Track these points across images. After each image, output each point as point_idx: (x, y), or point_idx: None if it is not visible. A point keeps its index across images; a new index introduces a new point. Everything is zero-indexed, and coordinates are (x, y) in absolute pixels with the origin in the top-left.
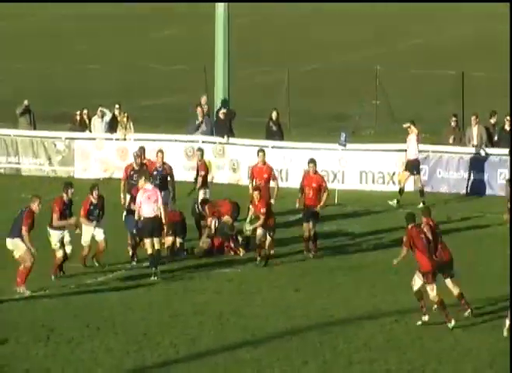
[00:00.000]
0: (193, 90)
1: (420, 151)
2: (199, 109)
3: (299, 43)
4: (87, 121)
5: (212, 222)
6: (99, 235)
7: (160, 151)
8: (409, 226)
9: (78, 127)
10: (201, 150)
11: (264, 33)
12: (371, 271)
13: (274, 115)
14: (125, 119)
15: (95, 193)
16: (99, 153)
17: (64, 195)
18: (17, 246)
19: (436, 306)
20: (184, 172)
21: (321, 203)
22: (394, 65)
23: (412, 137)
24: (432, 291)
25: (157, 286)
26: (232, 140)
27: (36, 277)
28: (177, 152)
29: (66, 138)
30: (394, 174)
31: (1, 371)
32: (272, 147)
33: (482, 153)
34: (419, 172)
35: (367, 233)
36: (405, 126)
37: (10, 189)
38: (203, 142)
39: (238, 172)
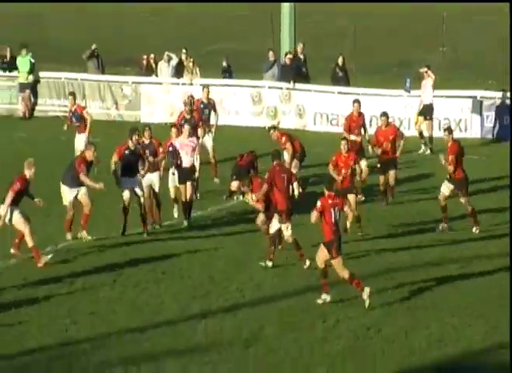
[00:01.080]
0: (260, 36)
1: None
2: (271, 52)
3: None
4: (154, 66)
5: None
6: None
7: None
8: (274, 163)
9: (144, 72)
10: None
11: None
12: None
13: (340, 61)
14: (191, 64)
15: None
16: (165, 97)
17: (130, 141)
18: (63, 193)
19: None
20: (250, 118)
21: (398, 152)
22: (460, 11)
23: (428, 81)
24: (287, 230)
25: (222, 233)
26: (298, 85)
27: (104, 224)
28: (243, 98)
29: (133, 83)
30: (460, 121)
31: (68, 313)
32: (338, 93)
33: None
34: (431, 118)
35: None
36: (421, 70)
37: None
38: (269, 88)
39: (304, 117)
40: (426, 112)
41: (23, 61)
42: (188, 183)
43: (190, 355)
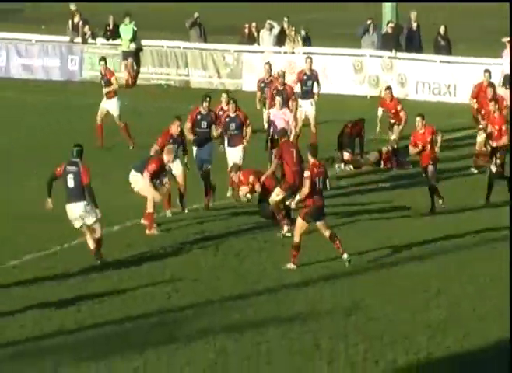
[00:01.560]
0: (359, 5)
1: None
2: (369, 20)
3: None
4: (255, 34)
5: None
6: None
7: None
8: (282, 140)
9: (246, 40)
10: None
11: None
12: None
13: (442, 29)
14: (293, 32)
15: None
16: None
17: (201, 107)
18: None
19: None
20: (353, 86)
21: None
22: None
23: (508, 51)
24: (276, 196)
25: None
26: (399, 54)
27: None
28: (344, 66)
29: (235, 51)
30: None
31: (170, 280)
32: (440, 61)
33: None
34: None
35: None
36: (504, 40)
37: (179, 101)
38: (370, 56)
39: (406, 86)
40: (507, 82)
41: (126, 29)
42: None
43: (290, 323)
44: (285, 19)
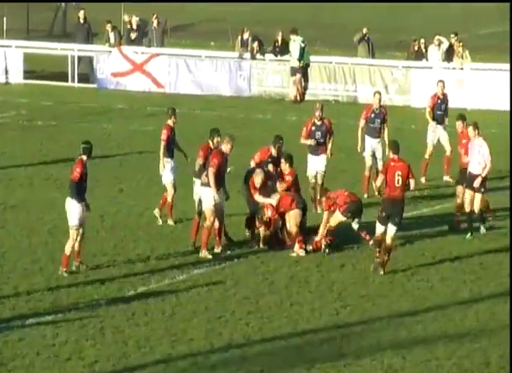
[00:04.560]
0: None
1: None
2: None
3: None
4: (424, 50)
5: None
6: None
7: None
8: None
9: (414, 56)
10: None
11: None
12: None
13: None
14: (461, 48)
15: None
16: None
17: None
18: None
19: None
20: None
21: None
22: None
23: None
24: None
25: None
26: None
27: None
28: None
29: (403, 67)
30: None
31: (338, 296)
32: None
33: None
34: None
35: None
36: None
37: (346, 117)
38: None
39: None
40: None
41: (294, 46)
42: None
43: (459, 340)
44: (453, 35)
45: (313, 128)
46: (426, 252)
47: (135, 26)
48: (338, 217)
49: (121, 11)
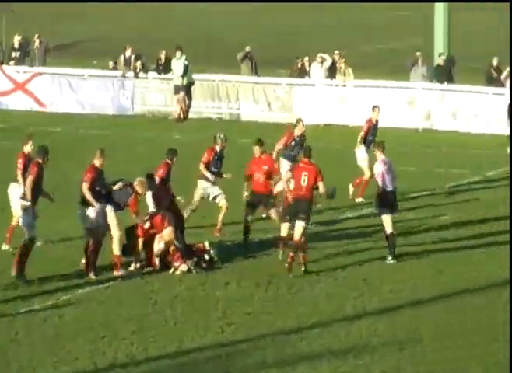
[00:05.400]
0: (411, 35)
1: None
2: (418, 52)
3: None
4: (307, 67)
5: None
6: None
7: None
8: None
9: (298, 73)
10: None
11: None
12: None
13: (495, 61)
14: (343, 65)
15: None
16: (318, 99)
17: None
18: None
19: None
20: (405, 120)
21: None
22: None
23: None
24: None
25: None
26: (452, 86)
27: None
28: (396, 99)
29: (286, 84)
30: None
31: (223, 314)
32: (493, 93)
33: None
34: None
35: None
36: None
37: (230, 135)
38: (423, 89)
39: (457, 119)
40: None
41: (178, 64)
42: None
43: (343, 356)
44: (336, 52)
45: (293, 143)
46: (312, 268)
47: (17, 45)
48: (284, 228)
49: (3, 30)
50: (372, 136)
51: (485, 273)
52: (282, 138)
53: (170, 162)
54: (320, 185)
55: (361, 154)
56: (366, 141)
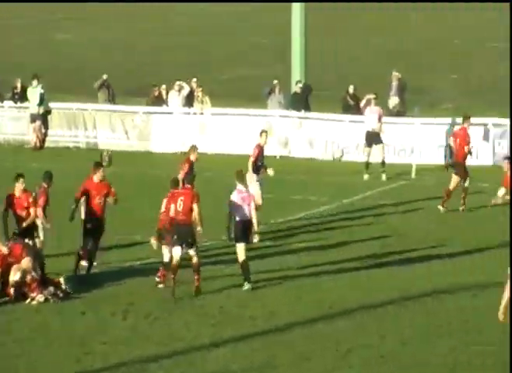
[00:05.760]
0: (270, 64)
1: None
2: (275, 80)
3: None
4: (165, 96)
5: None
6: None
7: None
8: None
9: (155, 102)
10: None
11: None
12: None
13: (351, 89)
14: (200, 93)
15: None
16: (176, 127)
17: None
18: None
19: None
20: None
21: None
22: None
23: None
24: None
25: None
26: (308, 114)
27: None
28: (254, 127)
29: (144, 113)
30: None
31: (80, 343)
32: (349, 121)
33: None
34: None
35: None
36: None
37: (88, 163)
38: (280, 116)
39: (314, 147)
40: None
41: (33, 92)
42: None
43: None
44: (194, 80)
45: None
46: (166, 295)
47: None
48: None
49: None
50: (261, 162)
51: (343, 298)
52: (183, 165)
53: (46, 186)
54: (195, 207)
55: (253, 182)
56: (256, 167)
